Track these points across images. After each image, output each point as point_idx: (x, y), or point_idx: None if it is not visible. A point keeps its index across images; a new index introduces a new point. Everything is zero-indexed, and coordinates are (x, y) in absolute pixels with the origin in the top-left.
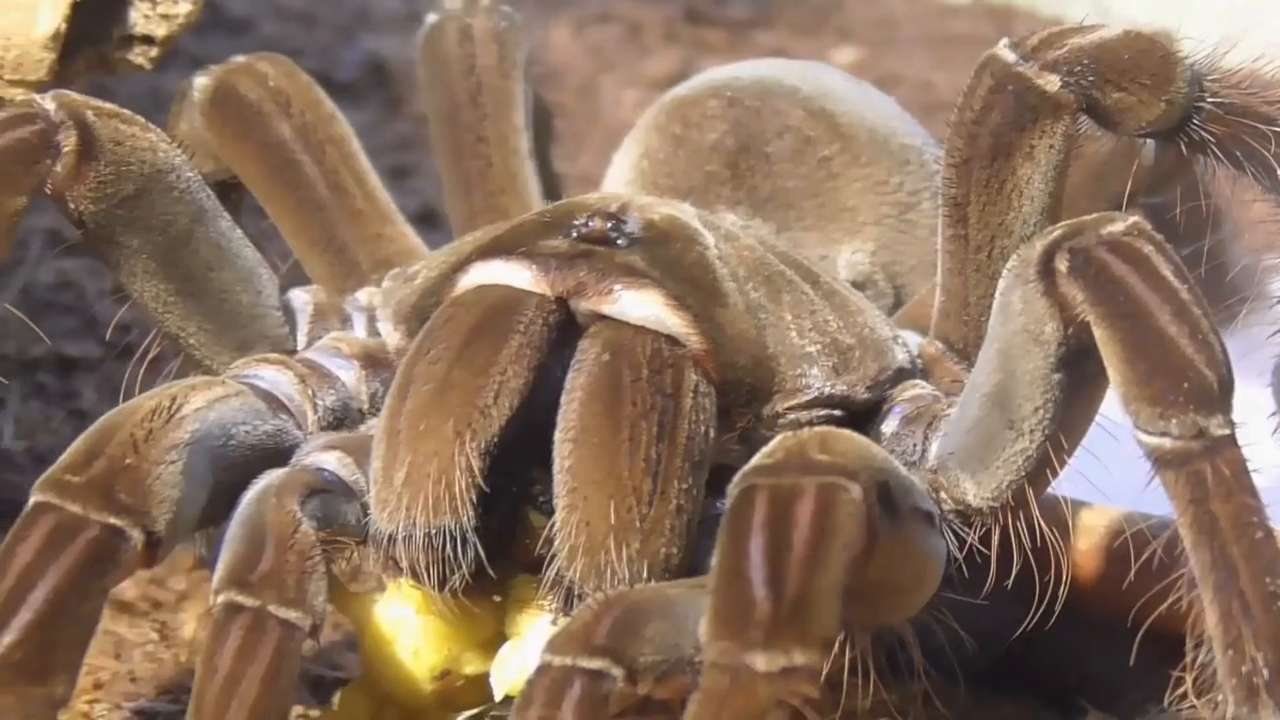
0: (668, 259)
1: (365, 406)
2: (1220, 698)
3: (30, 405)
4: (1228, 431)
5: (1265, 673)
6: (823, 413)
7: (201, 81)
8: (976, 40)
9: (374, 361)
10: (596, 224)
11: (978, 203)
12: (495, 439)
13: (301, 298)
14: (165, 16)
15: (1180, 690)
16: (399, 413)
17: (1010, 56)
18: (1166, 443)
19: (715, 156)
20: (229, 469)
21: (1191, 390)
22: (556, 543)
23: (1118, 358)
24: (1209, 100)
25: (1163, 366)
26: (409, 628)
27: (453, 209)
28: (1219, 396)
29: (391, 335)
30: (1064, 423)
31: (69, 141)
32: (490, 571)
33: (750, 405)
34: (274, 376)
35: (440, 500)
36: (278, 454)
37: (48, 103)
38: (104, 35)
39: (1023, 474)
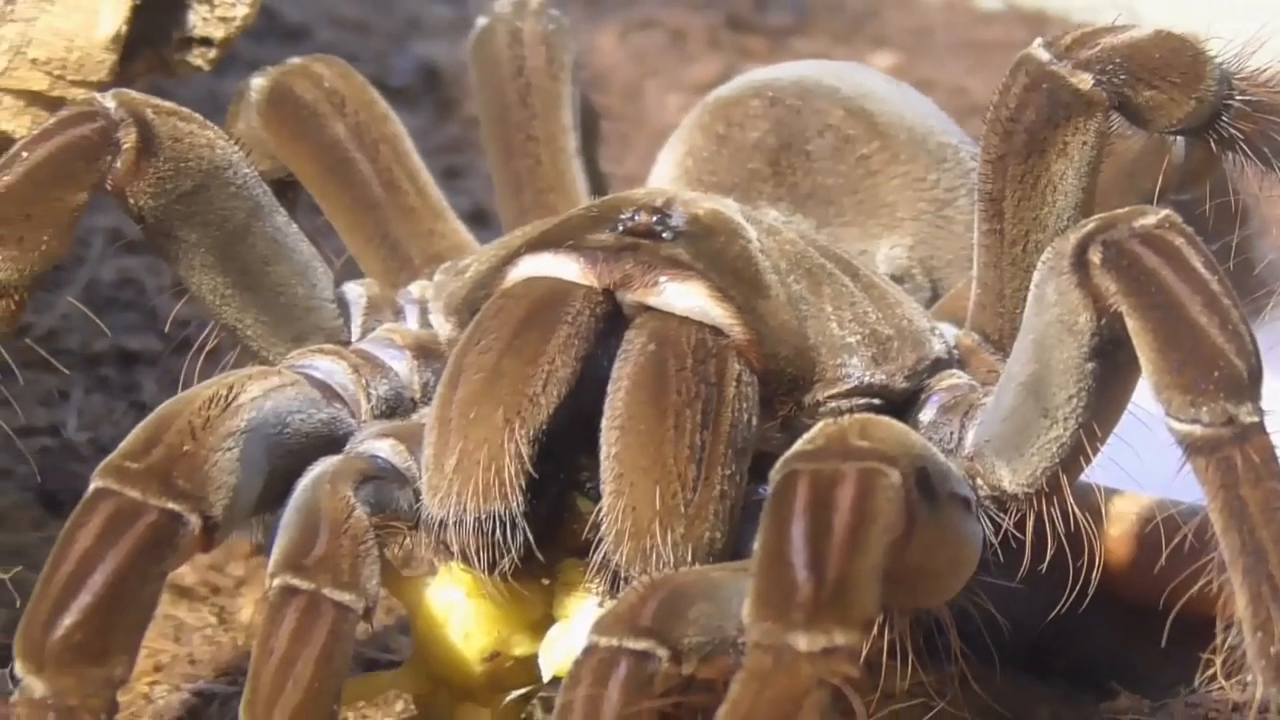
0: (711, 252)
1: (417, 396)
2: (1249, 679)
3: (93, 398)
4: (1257, 419)
5: None
6: (862, 401)
7: (259, 82)
8: (1010, 46)
9: (426, 352)
10: (642, 218)
11: (1013, 198)
12: (543, 427)
13: (355, 291)
14: (223, 19)
15: (1210, 672)
16: (450, 401)
17: (1044, 56)
18: (1197, 430)
19: (757, 154)
20: (285, 456)
21: (1222, 379)
22: (603, 528)
23: (1150, 347)
24: (1238, 98)
25: (1194, 356)
26: (460, 611)
27: (503, 207)
28: (1248, 385)
29: (443, 326)
30: (1097, 411)
31: (129, 138)
32: (539, 555)
33: (792, 394)
34: (329, 366)
35: (490, 486)
36: (332, 442)
37: (108, 101)
38: (164, 37)
39: (1057, 460)
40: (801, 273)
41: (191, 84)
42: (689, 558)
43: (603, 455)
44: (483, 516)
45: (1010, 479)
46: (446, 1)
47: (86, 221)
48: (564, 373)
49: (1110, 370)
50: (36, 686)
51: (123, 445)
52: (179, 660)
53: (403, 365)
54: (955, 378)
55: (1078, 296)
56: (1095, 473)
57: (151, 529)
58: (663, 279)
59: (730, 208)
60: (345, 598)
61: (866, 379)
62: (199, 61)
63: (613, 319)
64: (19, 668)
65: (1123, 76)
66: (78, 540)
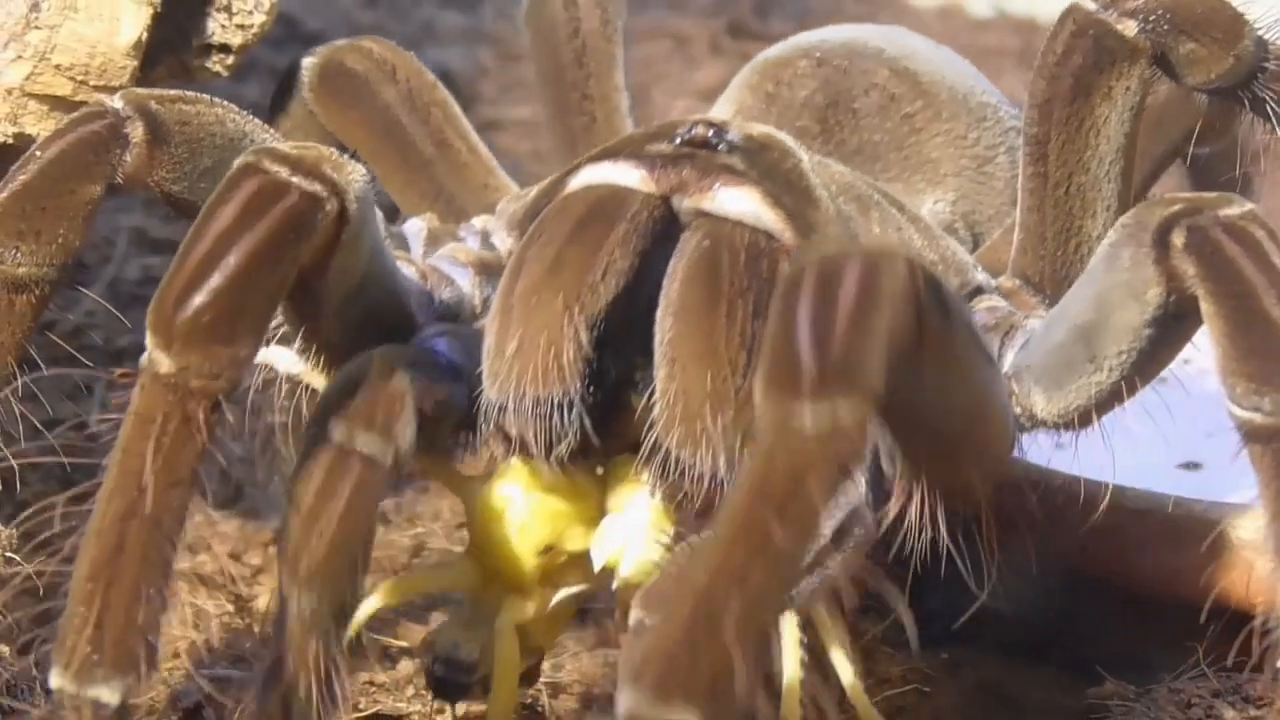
0: (765, 164)
1: (478, 308)
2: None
3: (117, 393)
4: None
5: None
6: None
7: (309, 61)
8: (1004, 52)
9: (487, 269)
10: (699, 131)
11: (1057, 140)
12: (602, 315)
13: (415, 225)
14: (241, 26)
15: (1191, 660)
16: (511, 291)
17: (1091, 5)
18: (1257, 417)
19: (806, 112)
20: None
21: None
22: (655, 411)
23: (1221, 332)
24: (1273, 61)
25: (1263, 346)
26: (516, 505)
27: (558, 163)
28: None
29: (505, 242)
30: (1141, 367)
31: (136, 132)
32: (594, 440)
33: None
34: (412, 228)
35: (549, 369)
36: (394, 328)
37: (115, 101)
38: (183, 44)
39: (1093, 402)
40: (850, 198)
41: (211, 89)
42: (739, 442)
43: (657, 342)
44: (541, 399)
45: (1044, 407)
46: (460, 9)
47: (111, 221)
48: (622, 265)
49: (1163, 337)
50: (163, 362)
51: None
52: (198, 646)
53: (465, 279)
54: (996, 302)
55: (1153, 271)
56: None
57: (292, 210)
58: (718, 185)
59: (783, 134)
60: (373, 448)
61: None
62: (218, 67)
63: (669, 224)
64: (149, 341)
65: (1166, 27)
66: (218, 217)
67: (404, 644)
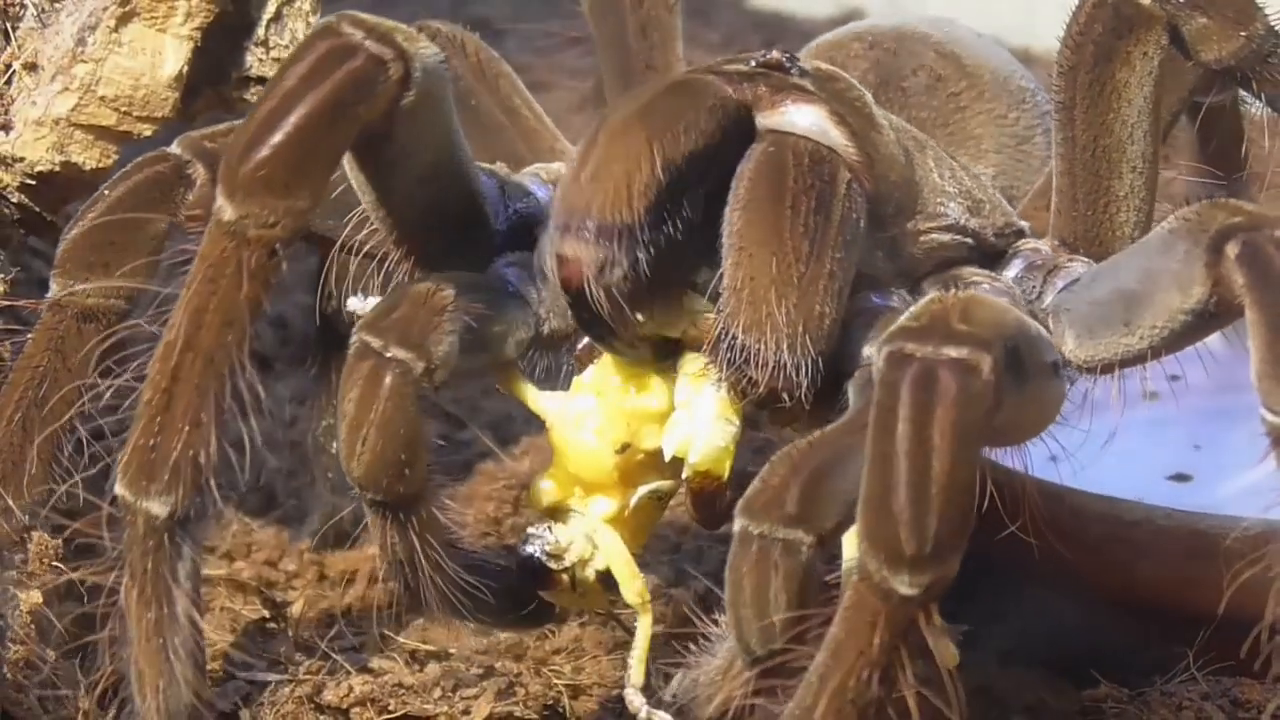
0: (833, 89)
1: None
2: None
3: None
4: None
5: None
6: (957, 238)
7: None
8: None
9: None
10: (774, 55)
11: (1082, 104)
12: (679, 166)
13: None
14: (277, 60)
15: (1182, 664)
16: (595, 136)
17: None
18: None
19: None
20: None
21: None
22: (722, 298)
23: (1261, 338)
24: None
25: None
26: (592, 412)
27: None
28: None
29: None
30: (1169, 342)
31: (198, 174)
32: (644, 293)
33: (896, 219)
34: (483, 175)
35: (620, 195)
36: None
37: (175, 148)
38: (222, 76)
39: (1117, 359)
40: (907, 137)
41: None
42: (801, 329)
43: (725, 234)
44: (605, 225)
45: (1073, 349)
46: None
47: None
48: (706, 127)
49: (1196, 325)
50: (226, 210)
51: None
52: (234, 649)
53: (544, 193)
54: (1039, 243)
55: (1202, 272)
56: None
57: (355, 71)
58: (789, 101)
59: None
60: (406, 355)
61: (962, 221)
62: (255, 99)
63: (745, 130)
64: (218, 191)
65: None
66: (288, 76)
67: (430, 647)
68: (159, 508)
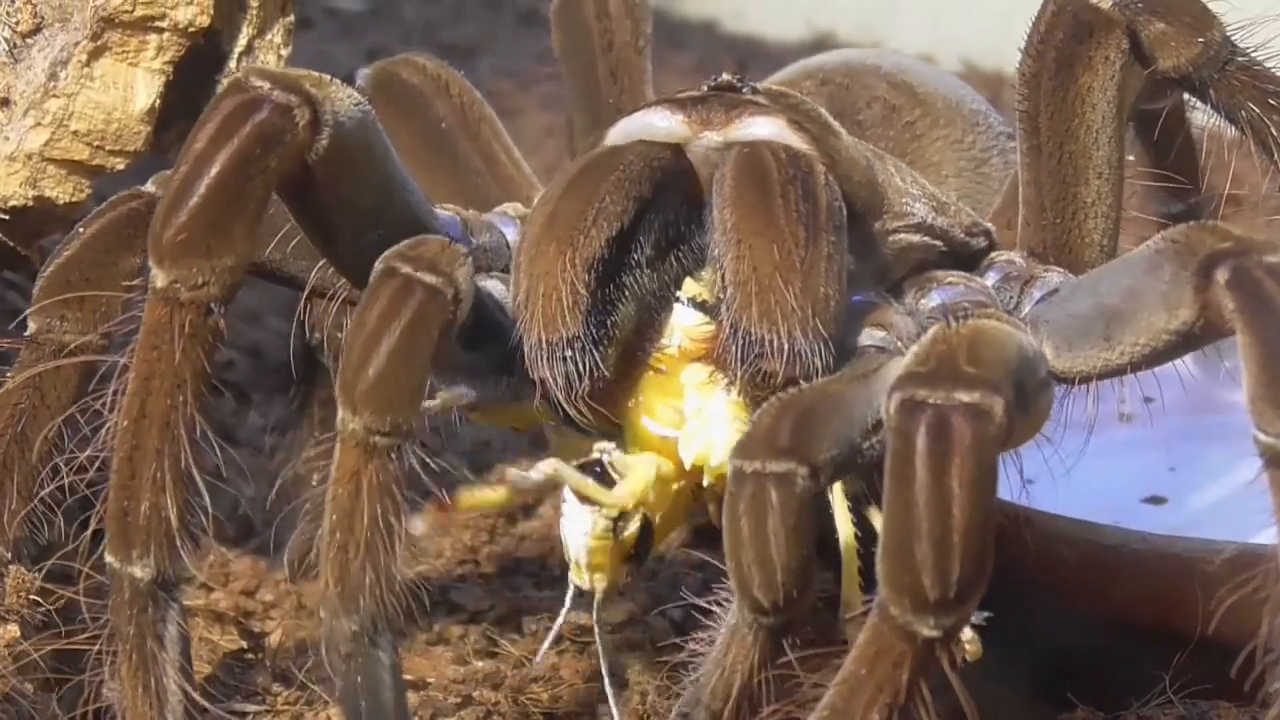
0: (788, 102)
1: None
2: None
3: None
4: None
5: None
6: (927, 239)
7: (365, 72)
8: None
9: None
10: (725, 78)
11: (1046, 111)
12: (603, 253)
13: (445, 215)
14: None
15: (1159, 688)
16: (521, 247)
17: None
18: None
19: None
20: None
21: None
22: (728, 293)
23: (1253, 362)
24: (1241, 58)
25: None
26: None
27: None
28: None
29: None
30: (1149, 359)
31: None
32: (608, 375)
33: (864, 219)
34: (444, 214)
35: (552, 318)
36: None
37: (149, 186)
38: (194, 110)
39: (1095, 372)
40: (865, 147)
41: None
42: (811, 312)
43: (718, 232)
44: (553, 340)
45: (1051, 359)
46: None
47: None
48: (619, 199)
49: (1178, 345)
50: (158, 278)
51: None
52: (211, 681)
53: (511, 230)
54: (1013, 255)
55: (1190, 295)
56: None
57: (262, 123)
58: (745, 115)
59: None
60: (435, 280)
61: (929, 220)
62: None
63: (677, 169)
64: (150, 259)
65: (1140, 4)
66: (198, 138)
67: (408, 676)
68: (141, 571)
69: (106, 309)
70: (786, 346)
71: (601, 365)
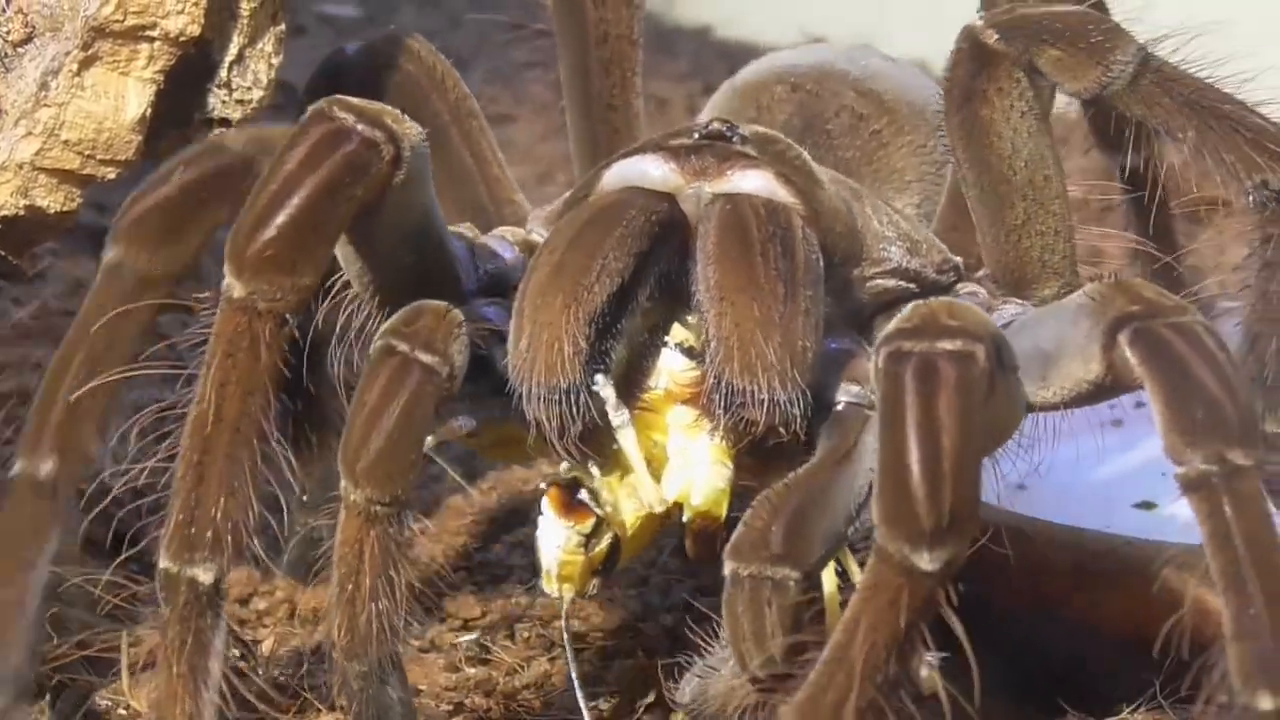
0: (774, 151)
1: (519, 282)
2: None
3: (126, 445)
4: (1248, 463)
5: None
6: (901, 283)
7: (359, 46)
8: None
9: (530, 250)
10: (716, 127)
11: (959, 145)
12: (604, 305)
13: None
14: (240, 102)
15: (1149, 693)
16: (525, 293)
17: (976, 22)
18: (1191, 470)
19: (786, 134)
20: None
21: (1216, 426)
22: (712, 346)
23: (1162, 404)
24: (1151, 75)
25: (1197, 411)
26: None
27: (579, 164)
28: (1239, 433)
29: (543, 235)
30: (1080, 400)
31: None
32: (599, 423)
33: (845, 265)
34: (456, 242)
35: (553, 365)
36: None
37: (233, 141)
38: (185, 118)
39: (1036, 405)
40: (845, 188)
41: None
42: (790, 364)
43: (702, 289)
44: (549, 389)
45: None
46: None
47: None
48: (622, 254)
49: (1099, 393)
50: (236, 288)
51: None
52: None
53: (510, 255)
54: (976, 286)
55: (1098, 353)
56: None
57: (351, 154)
58: (735, 168)
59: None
60: (431, 360)
61: (904, 264)
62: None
63: (671, 222)
64: (226, 270)
65: (1027, 36)
66: (287, 160)
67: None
68: (205, 575)
69: (189, 257)
70: (767, 397)
71: (593, 409)
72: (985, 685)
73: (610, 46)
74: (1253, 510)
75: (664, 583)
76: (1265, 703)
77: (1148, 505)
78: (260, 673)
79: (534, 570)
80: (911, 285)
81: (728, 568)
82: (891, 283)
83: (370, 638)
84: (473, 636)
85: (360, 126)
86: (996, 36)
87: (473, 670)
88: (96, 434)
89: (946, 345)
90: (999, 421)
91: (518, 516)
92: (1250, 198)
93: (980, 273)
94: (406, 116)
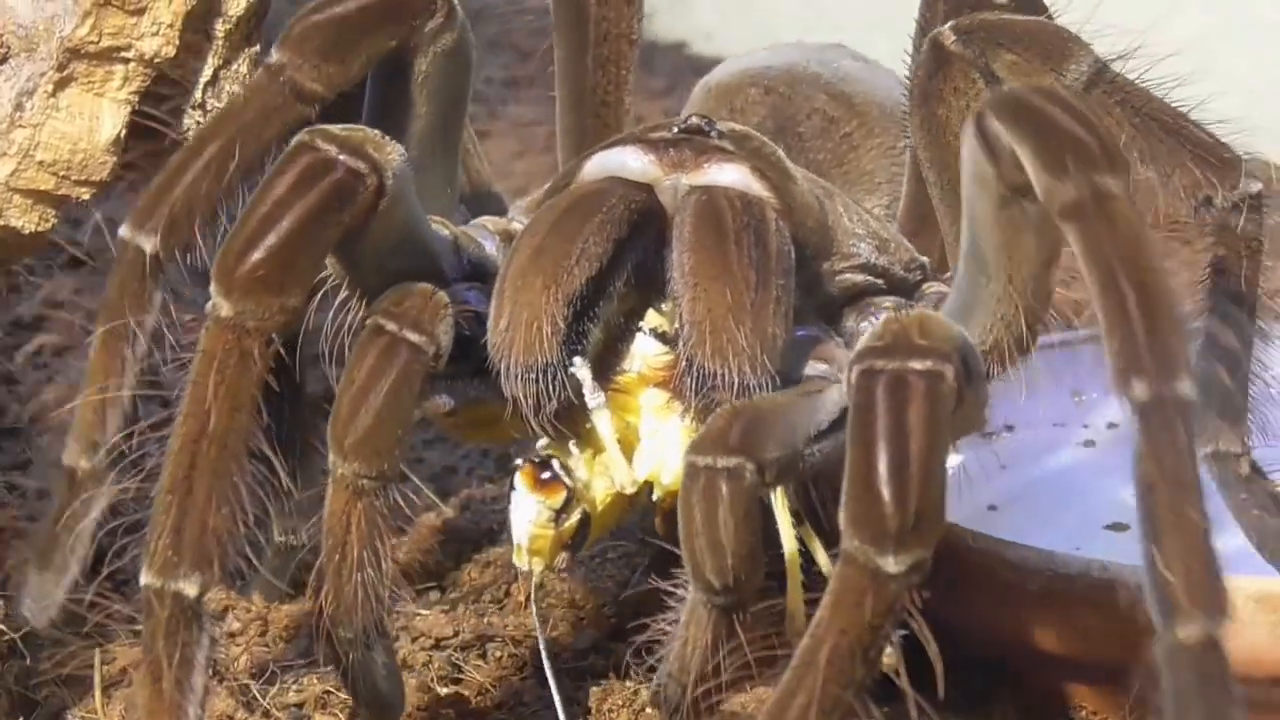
0: (750, 147)
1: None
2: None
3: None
4: (1116, 191)
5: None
6: (870, 279)
7: None
8: None
9: (510, 239)
10: (694, 121)
11: (921, 143)
12: (582, 289)
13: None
14: None
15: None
16: (505, 275)
17: (940, 27)
18: (1067, 197)
19: None
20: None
21: (1083, 156)
22: (685, 330)
23: (1029, 154)
24: (1105, 86)
25: (1063, 148)
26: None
27: (565, 157)
28: (1105, 162)
29: (523, 221)
30: (1018, 266)
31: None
32: (575, 402)
33: (815, 259)
34: (440, 234)
35: (532, 344)
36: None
37: (320, 142)
38: (160, 139)
39: (1001, 325)
40: (817, 186)
41: None
42: (760, 350)
43: (677, 274)
44: (529, 364)
45: None
46: None
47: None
48: (600, 240)
49: (1018, 219)
50: (224, 307)
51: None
52: None
53: (491, 245)
54: (942, 285)
55: (980, 151)
56: None
57: (336, 183)
58: (712, 161)
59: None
60: (419, 339)
61: (873, 260)
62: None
63: (648, 212)
64: (213, 289)
65: (984, 40)
66: (275, 187)
67: None
68: (190, 588)
69: (347, 80)
70: (736, 381)
71: (569, 388)
72: (954, 710)
73: (610, 45)
74: (1124, 225)
75: (635, 599)
76: (1141, 391)
77: (1119, 527)
78: (233, 690)
79: (507, 590)
80: (879, 281)
81: (685, 462)
82: (860, 278)
83: (356, 606)
84: (444, 655)
85: (343, 157)
86: (954, 39)
87: (444, 690)
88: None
89: (917, 365)
90: (963, 423)
91: (490, 536)
92: (1195, 214)
93: (948, 275)
94: (386, 137)
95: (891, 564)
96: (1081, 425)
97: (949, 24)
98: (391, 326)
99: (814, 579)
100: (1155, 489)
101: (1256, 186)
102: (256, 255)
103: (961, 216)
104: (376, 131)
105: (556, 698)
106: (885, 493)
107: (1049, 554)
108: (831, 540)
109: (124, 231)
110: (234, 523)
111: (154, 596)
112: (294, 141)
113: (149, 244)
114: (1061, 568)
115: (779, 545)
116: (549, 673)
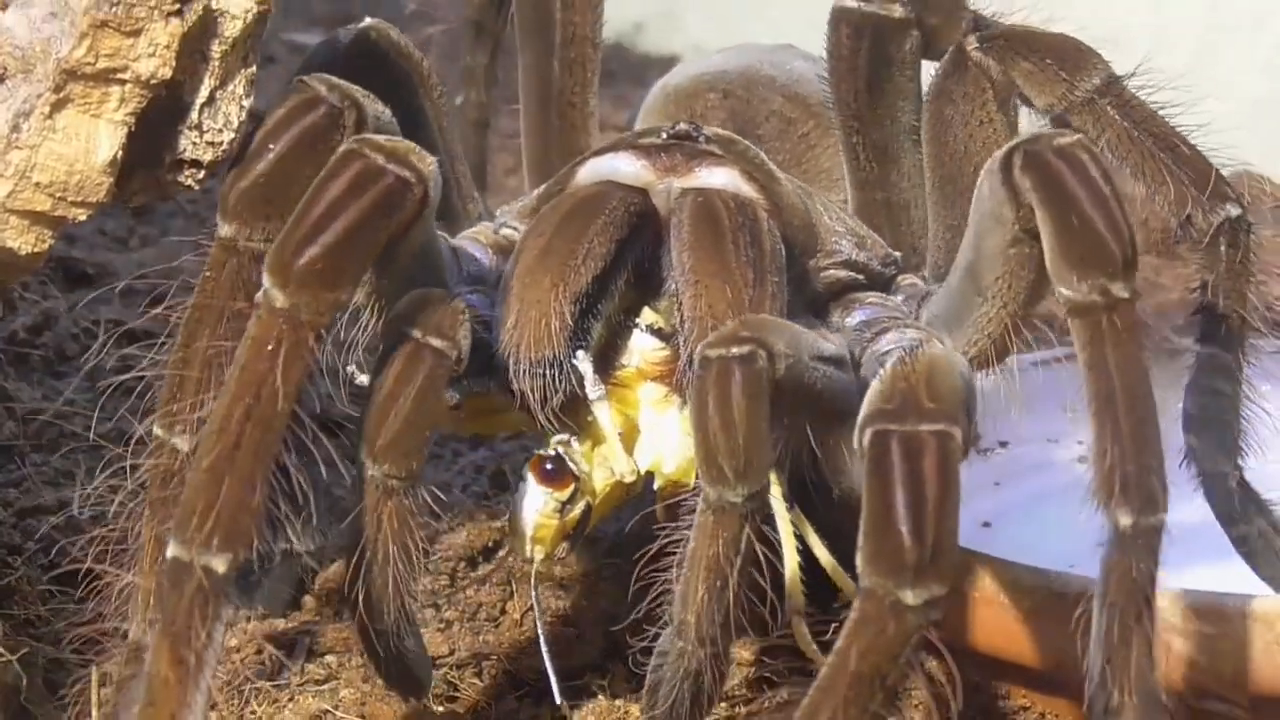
0: (737, 150)
1: (496, 281)
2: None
3: (96, 479)
4: (1126, 295)
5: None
6: (851, 274)
7: (351, 29)
8: None
9: (502, 250)
10: (682, 128)
11: (926, 140)
12: (587, 287)
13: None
14: (211, 144)
15: None
16: (513, 275)
17: (853, 4)
18: (1078, 296)
19: None
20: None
21: (1101, 259)
22: (686, 326)
23: (1049, 232)
24: (1114, 95)
25: (1082, 240)
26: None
27: (529, 156)
28: (1122, 267)
29: (518, 232)
30: (1015, 294)
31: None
32: (580, 393)
33: (802, 257)
34: (442, 244)
35: (539, 339)
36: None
37: (321, 88)
38: (156, 160)
39: (985, 335)
40: (798, 186)
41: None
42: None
43: (677, 273)
44: (535, 360)
45: (950, 345)
46: None
47: (92, 313)
48: (604, 240)
49: (1026, 258)
50: (278, 298)
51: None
52: None
53: (485, 257)
54: (915, 280)
55: (1003, 192)
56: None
57: (387, 189)
58: (703, 165)
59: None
60: (442, 344)
61: (853, 256)
62: (189, 182)
63: (645, 214)
64: (266, 280)
65: (1004, 48)
66: (328, 189)
67: None
68: (220, 564)
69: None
70: None
71: (573, 382)
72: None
73: (575, 47)
74: (1128, 340)
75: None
76: (1124, 519)
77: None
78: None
79: (503, 608)
80: (860, 276)
81: (698, 355)
82: (843, 273)
83: (387, 598)
84: (440, 673)
85: (391, 166)
86: (976, 46)
87: (440, 708)
88: None
89: (928, 428)
90: None
91: (485, 553)
92: (1179, 232)
93: (921, 270)
94: (423, 150)
95: (910, 596)
96: (1075, 441)
97: (975, 33)
98: (415, 333)
99: (814, 589)
100: (1118, 608)
101: (1236, 211)
102: (314, 250)
103: (966, 233)
104: (414, 145)
105: (555, 685)
106: (903, 529)
107: (1043, 572)
108: (832, 547)
109: (180, 553)
110: (264, 507)
111: (182, 570)
112: (342, 149)
113: (221, 563)
114: (1056, 585)
115: (776, 552)
116: (546, 657)
